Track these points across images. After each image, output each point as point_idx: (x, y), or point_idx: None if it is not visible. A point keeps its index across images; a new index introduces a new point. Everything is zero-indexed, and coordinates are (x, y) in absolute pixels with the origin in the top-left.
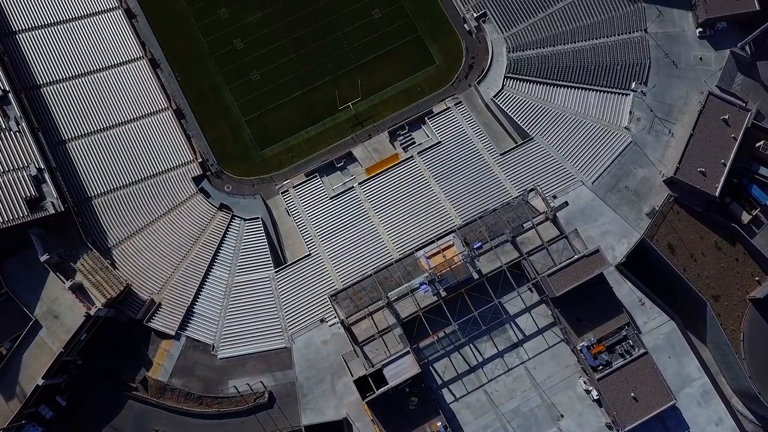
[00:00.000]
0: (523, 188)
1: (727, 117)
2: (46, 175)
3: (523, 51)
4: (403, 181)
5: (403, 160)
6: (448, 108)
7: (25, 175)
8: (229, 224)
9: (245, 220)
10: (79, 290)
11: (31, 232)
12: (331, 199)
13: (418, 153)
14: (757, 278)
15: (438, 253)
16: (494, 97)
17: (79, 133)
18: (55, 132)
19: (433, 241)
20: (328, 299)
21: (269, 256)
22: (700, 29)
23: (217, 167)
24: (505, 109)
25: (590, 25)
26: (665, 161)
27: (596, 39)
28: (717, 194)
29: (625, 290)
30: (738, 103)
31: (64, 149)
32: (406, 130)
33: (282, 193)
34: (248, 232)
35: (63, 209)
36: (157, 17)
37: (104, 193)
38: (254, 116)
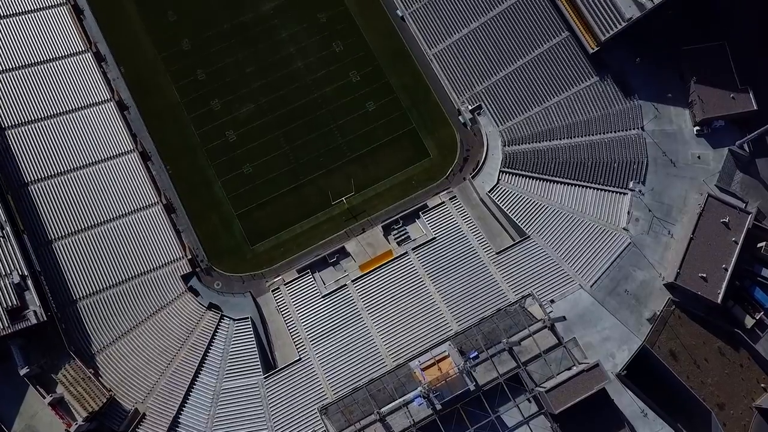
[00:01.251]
0: (520, 290)
1: (727, 220)
2: (29, 282)
3: (518, 145)
4: (397, 279)
5: (397, 257)
6: (443, 202)
7: (7, 283)
8: (218, 325)
9: (234, 320)
10: (59, 404)
11: (12, 344)
12: (322, 297)
13: (413, 249)
14: (762, 385)
15: (433, 364)
16: (489, 191)
17: (67, 232)
18: (41, 232)
19: (428, 350)
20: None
21: (258, 360)
22: (697, 128)
23: (207, 263)
24: (501, 205)
25: (586, 121)
26: (665, 263)
27: (593, 135)
28: (719, 301)
29: (626, 400)
30: (738, 206)
31: (50, 249)
32: (400, 225)
33: (273, 291)
34: (237, 334)
35: (45, 318)
36: (148, 108)
37: (90, 294)
38: (246, 210)
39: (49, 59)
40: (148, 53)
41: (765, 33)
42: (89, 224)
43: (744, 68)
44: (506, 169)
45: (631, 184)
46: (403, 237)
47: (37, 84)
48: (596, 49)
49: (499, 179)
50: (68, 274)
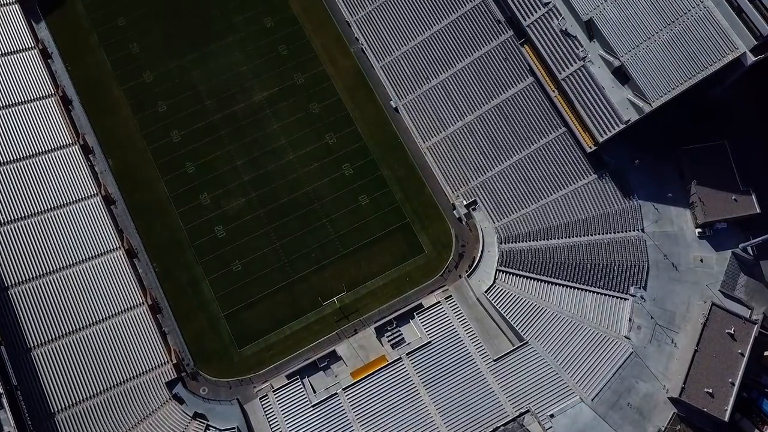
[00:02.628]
0: (519, 402)
1: (732, 330)
2: (4, 401)
3: (515, 243)
4: (390, 387)
5: (390, 363)
6: (438, 302)
7: None
8: None
9: (221, 430)
10: None
11: None
12: (312, 406)
13: (407, 354)
14: None
15: None
16: (486, 292)
17: (47, 338)
18: (20, 340)
19: None
20: None
21: None
22: (699, 230)
23: (193, 368)
24: (498, 307)
25: (585, 221)
26: (669, 375)
27: (592, 235)
28: (726, 418)
29: None
30: (743, 315)
31: (29, 358)
32: (394, 326)
33: (260, 398)
34: None
35: None
36: (136, 202)
37: (69, 406)
38: (234, 311)
39: (34, 154)
40: (137, 145)
41: (766, 131)
42: (71, 329)
43: (745, 168)
44: (503, 268)
45: (632, 290)
46: (397, 339)
47: (19, 181)
48: (594, 148)
49: (495, 278)
50: (47, 384)
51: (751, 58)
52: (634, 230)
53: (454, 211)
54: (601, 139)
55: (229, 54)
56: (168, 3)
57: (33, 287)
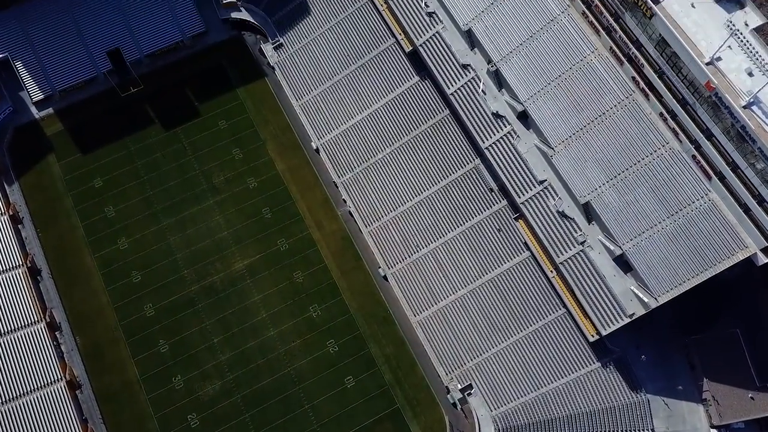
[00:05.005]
0: None
1: None
2: None
3: None
4: None
5: None
6: None
7: None
8: None
9: None
10: None
11: None
12: None
13: None
14: None
15: None
16: None
17: None
18: None
19: None
20: None
21: None
22: (714, 430)
23: None
24: None
25: (590, 414)
26: None
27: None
28: None
29: None
30: None
31: None
32: None
33: None
34: None
35: None
36: (103, 387)
37: None
38: None
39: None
40: (107, 321)
41: None
42: None
43: (761, 359)
44: None
45: None
46: None
47: None
48: (596, 337)
49: None
50: None
51: (763, 259)
52: (643, 429)
53: (449, 395)
54: (604, 332)
55: (209, 218)
56: (147, 162)
57: None
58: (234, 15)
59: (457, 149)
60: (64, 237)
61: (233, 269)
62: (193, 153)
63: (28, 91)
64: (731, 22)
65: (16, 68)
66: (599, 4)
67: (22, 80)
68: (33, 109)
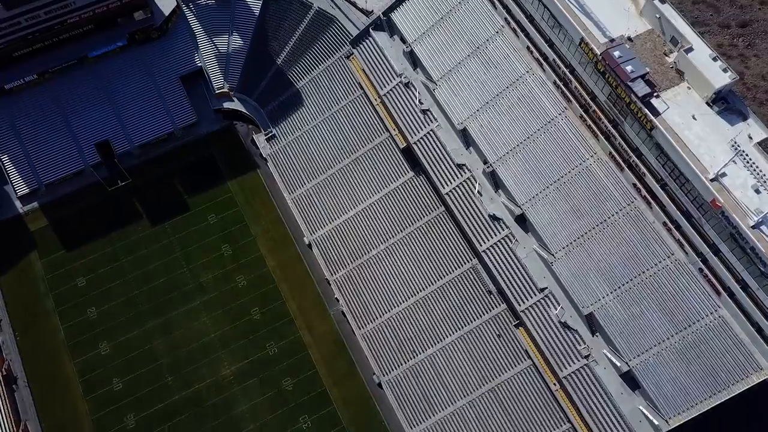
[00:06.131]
0: None
1: None
2: None
3: None
4: None
5: None
6: None
7: None
8: None
9: None
10: None
11: None
12: None
13: None
14: None
15: None
16: None
17: None
18: None
19: None
20: None
21: None
22: None
23: None
24: None
25: None
26: None
27: None
28: None
29: None
30: None
31: None
32: None
33: None
34: None
35: None
36: None
37: None
38: None
39: None
40: None
41: None
42: None
43: None
44: None
45: None
46: None
47: None
48: None
49: None
50: None
51: None
52: None
53: None
54: None
55: (195, 319)
56: (133, 260)
57: None
58: (226, 105)
59: (453, 248)
60: (43, 341)
61: (220, 375)
62: (180, 249)
63: (13, 185)
64: (735, 141)
65: (2, 161)
66: (597, 110)
67: (8, 174)
68: (17, 204)
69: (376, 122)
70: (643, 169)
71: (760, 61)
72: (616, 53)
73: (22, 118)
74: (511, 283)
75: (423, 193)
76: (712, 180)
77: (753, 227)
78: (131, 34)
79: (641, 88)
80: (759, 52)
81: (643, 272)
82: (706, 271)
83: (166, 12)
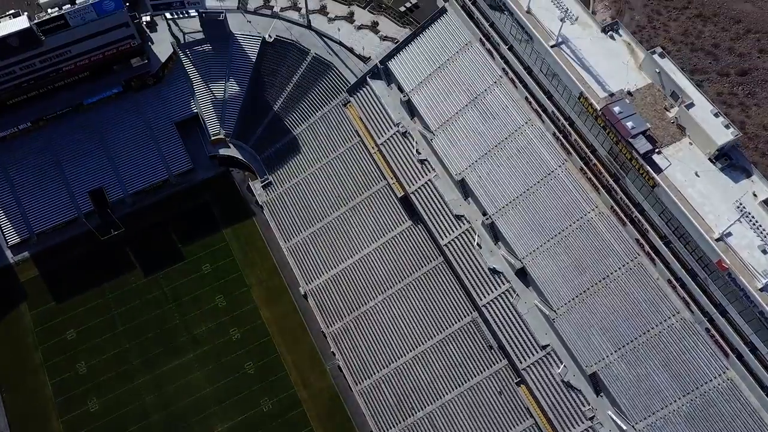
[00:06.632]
0: None
1: None
2: None
3: None
4: None
5: None
6: None
7: None
8: None
9: None
10: None
11: None
12: None
13: None
14: None
15: None
16: None
17: None
18: None
19: None
20: None
21: None
22: None
23: None
24: None
25: None
26: None
27: None
28: None
29: None
30: None
31: None
32: None
33: None
34: None
35: None
36: None
37: None
38: None
39: None
40: None
41: None
42: None
43: None
44: None
45: None
46: None
47: None
48: None
49: None
50: None
51: None
52: None
53: None
54: None
55: (188, 373)
56: (125, 311)
57: None
58: (222, 152)
59: (453, 300)
60: (30, 398)
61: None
62: (174, 300)
63: (3, 235)
64: (741, 202)
65: None
66: (598, 164)
67: None
68: (8, 253)
69: (373, 170)
70: (646, 225)
71: (761, 111)
72: (617, 109)
73: (15, 166)
74: (512, 339)
75: (421, 243)
76: (717, 240)
77: (761, 290)
78: (127, 80)
79: (643, 145)
80: (759, 101)
81: (648, 331)
82: (713, 331)
83: (163, 58)
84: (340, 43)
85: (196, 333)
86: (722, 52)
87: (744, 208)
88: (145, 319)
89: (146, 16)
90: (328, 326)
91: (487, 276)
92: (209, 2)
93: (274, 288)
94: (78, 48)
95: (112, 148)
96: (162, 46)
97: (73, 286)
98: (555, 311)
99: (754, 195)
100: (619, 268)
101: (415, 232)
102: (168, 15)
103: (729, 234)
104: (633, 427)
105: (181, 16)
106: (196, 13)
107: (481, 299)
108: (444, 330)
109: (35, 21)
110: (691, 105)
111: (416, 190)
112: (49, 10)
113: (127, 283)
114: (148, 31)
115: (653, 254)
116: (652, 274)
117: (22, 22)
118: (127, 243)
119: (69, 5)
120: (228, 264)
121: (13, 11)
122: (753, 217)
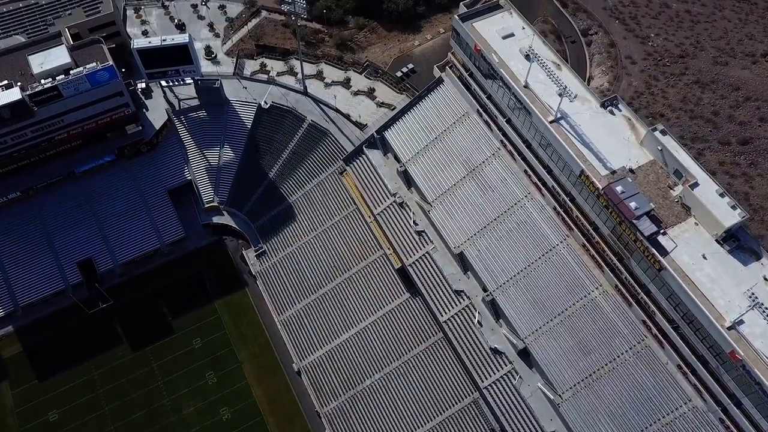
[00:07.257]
0: None
1: None
2: None
3: None
4: None
5: None
6: None
7: None
8: None
9: None
10: None
11: None
12: None
13: None
14: None
15: None
16: None
17: None
18: None
19: None
20: None
21: None
22: None
23: None
24: None
25: None
26: None
27: None
28: None
29: None
30: None
31: None
32: None
33: None
34: None
35: None
36: None
37: None
38: None
39: None
40: None
41: None
42: None
43: None
44: None
45: None
46: None
47: None
48: None
49: None
50: None
51: None
52: None
53: None
54: None
55: None
56: (111, 390)
57: None
58: (215, 219)
59: (453, 379)
60: None
61: None
62: (162, 378)
63: None
64: (752, 291)
65: None
66: (600, 242)
67: None
68: None
69: (370, 239)
70: (653, 308)
71: (764, 181)
72: (619, 188)
73: (3, 237)
74: (516, 424)
75: (420, 317)
76: (729, 329)
77: None
78: (120, 148)
79: (648, 227)
80: (763, 171)
81: (659, 419)
82: (728, 422)
83: (158, 125)
84: (337, 110)
85: (185, 413)
86: (722, 119)
87: (757, 300)
88: (131, 398)
89: (141, 83)
90: (322, 406)
91: (489, 356)
92: (205, 68)
93: (267, 364)
94: (71, 117)
95: (103, 217)
96: (157, 113)
97: (58, 363)
98: (560, 395)
99: (765, 279)
100: (626, 351)
101: (413, 306)
102: (163, 83)
103: (741, 322)
104: None
105: (177, 83)
106: (192, 81)
107: (482, 381)
108: (444, 411)
109: (28, 92)
110: (695, 184)
111: (414, 263)
112: (42, 81)
113: (114, 358)
114: (143, 97)
115: (661, 337)
116: (661, 359)
117: (14, 94)
118: (116, 316)
119: (63, 75)
120: (219, 338)
121: (5, 82)
122: (764, 303)
